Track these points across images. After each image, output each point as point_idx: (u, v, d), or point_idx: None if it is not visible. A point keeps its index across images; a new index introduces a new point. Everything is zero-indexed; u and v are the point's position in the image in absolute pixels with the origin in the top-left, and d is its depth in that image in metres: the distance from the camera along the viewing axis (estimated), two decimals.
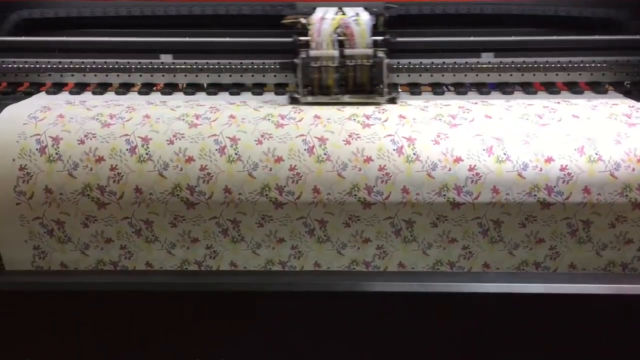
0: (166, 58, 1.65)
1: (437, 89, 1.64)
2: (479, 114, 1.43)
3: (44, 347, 1.41)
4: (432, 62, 1.64)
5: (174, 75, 1.66)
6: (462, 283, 1.37)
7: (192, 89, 1.65)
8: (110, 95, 1.64)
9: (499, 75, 1.65)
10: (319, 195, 1.36)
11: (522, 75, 1.64)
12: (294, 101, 1.50)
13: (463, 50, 1.64)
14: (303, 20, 1.53)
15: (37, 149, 1.35)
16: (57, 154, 1.35)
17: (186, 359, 1.42)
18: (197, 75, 1.66)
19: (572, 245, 1.41)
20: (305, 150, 1.36)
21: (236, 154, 1.35)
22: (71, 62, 1.66)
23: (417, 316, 1.39)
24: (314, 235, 1.40)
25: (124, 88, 1.66)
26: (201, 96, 1.63)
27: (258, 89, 1.64)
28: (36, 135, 1.36)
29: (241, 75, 1.65)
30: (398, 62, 1.62)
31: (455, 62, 1.64)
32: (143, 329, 1.40)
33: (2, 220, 1.38)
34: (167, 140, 1.36)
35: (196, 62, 1.65)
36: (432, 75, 1.65)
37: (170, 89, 1.65)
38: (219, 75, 1.66)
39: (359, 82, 1.52)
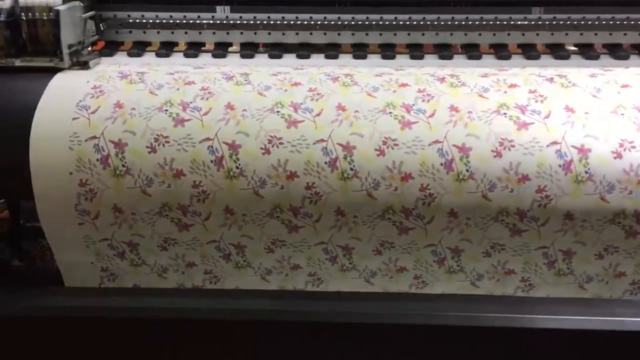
0: None
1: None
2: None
3: None
4: None
5: (255, 33, 1.33)
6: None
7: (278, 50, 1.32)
8: (176, 58, 1.32)
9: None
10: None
11: None
12: None
13: None
14: None
15: (97, 160, 1.06)
16: (124, 166, 1.06)
17: None
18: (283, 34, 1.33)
19: None
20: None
21: (352, 169, 1.05)
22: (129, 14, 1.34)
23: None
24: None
25: (194, 49, 1.34)
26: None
27: None
28: (93, 139, 1.07)
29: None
30: None
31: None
32: None
33: (63, 242, 1.14)
34: (261, 149, 1.06)
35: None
36: None
37: (251, 49, 1.32)
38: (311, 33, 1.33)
39: None
